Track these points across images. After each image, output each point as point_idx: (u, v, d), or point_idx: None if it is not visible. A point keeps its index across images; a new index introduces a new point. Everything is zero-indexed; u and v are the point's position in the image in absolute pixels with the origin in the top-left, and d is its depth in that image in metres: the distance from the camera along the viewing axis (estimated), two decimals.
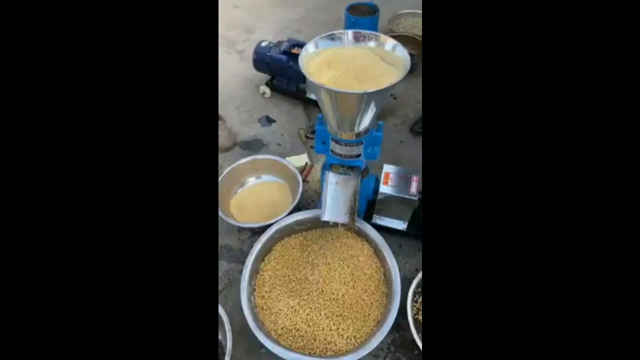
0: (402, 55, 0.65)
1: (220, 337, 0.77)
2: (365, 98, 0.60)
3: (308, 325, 0.78)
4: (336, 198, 0.83)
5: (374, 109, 0.66)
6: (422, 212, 0.91)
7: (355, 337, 0.77)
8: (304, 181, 1.17)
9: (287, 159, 1.23)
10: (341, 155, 0.77)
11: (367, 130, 0.74)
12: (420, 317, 0.83)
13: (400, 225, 0.98)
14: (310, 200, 1.13)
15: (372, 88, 0.58)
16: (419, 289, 0.85)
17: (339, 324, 0.78)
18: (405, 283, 0.91)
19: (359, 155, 0.77)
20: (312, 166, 1.21)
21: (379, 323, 0.79)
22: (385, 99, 0.65)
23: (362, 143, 0.75)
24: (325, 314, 0.79)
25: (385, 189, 0.89)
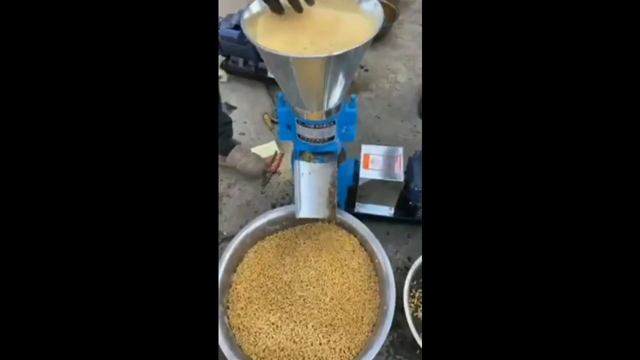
0: (371, 4, 0.52)
1: None
2: (332, 64, 0.47)
3: (294, 342, 0.67)
4: (311, 190, 0.71)
5: (344, 78, 0.53)
6: (422, 198, 0.80)
7: (349, 348, 0.67)
8: (274, 173, 1.04)
9: (254, 149, 1.08)
10: (311, 140, 0.64)
11: (338, 107, 0.61)
12: (420, 315, 0.74)
13: (386, 211, 0.88)
14: (284, 194, 1.00)
15: (338, 49, 0.45)
16: (416, 282, 0.76)
17: (330, 335, 0.68)
18: (399, 275, 0.82)
19: (332, 138, 0.65)
20: (282, 155, 1.08)
21: (375, 326, 0.70)
22: (356, 63, 0.53)
23: (334, 123, 0.62)
24: (312, 326, 0.68)
25: (366, 173, 0.77)
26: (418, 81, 1.29)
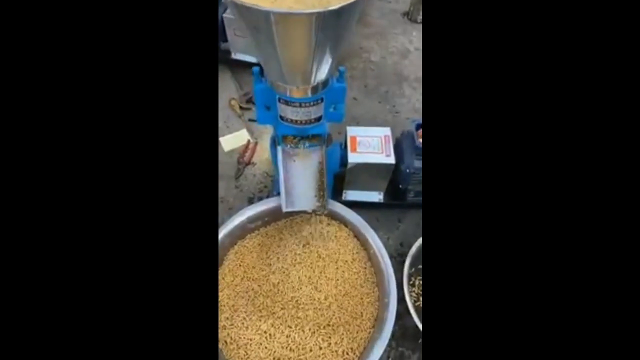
0: None
1: None
2: (324, 23, 0.39)
3: (290, 350, 0.60)
4: (298, 180, 0.63)
5: (336, 45, 0.45)
6: (422, 184, 0.75)
7: (352, 349, 0.61)
8: (248, 164, 0.94)
9: (223, 139, 0.97)
10: (296, 121, 0.56)
11: (325, 82, 0.53)
12: (422, 305, 0.70)
13: (375, 197, 0.82)
14: (262, 186, 0.91)
15: (332, 4, 0.37)
16: (414, 269, 0.72)
17: (329, 337, 0.61)
18: (394, 263, 0.78)
19: (319, 119, 0.57)
20: (255, 143, 0.98)
21: (376, 321, 0.65)
22: (350, 26, 0.45)
23: (322, 100, 0.54)
24: (309, 330, 0.61)
25: (355, 157, 0.71)
26: (392, 59, 1.24)
